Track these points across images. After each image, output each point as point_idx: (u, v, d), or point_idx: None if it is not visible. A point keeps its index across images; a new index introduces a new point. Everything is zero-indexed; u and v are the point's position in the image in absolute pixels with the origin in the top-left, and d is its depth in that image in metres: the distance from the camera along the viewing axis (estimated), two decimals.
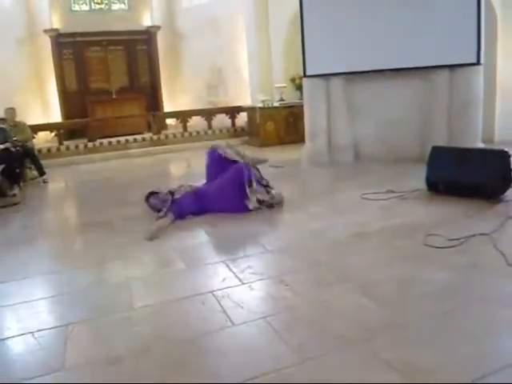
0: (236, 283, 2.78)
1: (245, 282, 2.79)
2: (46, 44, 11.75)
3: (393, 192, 4.60)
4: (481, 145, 5.94)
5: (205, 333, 2.25)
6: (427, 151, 4.80)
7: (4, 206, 5.52)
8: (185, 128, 10.45)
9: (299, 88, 9.38)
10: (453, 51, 5.81)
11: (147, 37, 12.66)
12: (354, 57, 6.29)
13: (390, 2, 6.01)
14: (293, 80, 9.89)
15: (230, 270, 2.99)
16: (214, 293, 2.65)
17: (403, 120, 6.31)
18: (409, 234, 3.43)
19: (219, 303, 2.52)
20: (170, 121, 11.46)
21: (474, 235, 3.24)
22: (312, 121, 6.88)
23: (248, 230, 3.84)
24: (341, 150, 6.68)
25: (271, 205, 4.47)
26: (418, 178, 4.79)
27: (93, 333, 2.34)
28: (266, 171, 6.56)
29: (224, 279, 2.84)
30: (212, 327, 2.28)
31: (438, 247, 3.11)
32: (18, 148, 6.85)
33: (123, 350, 2.14)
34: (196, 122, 10.83)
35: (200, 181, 5.05)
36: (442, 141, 5.72)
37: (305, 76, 6.85)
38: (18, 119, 7.63)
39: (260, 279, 2.82)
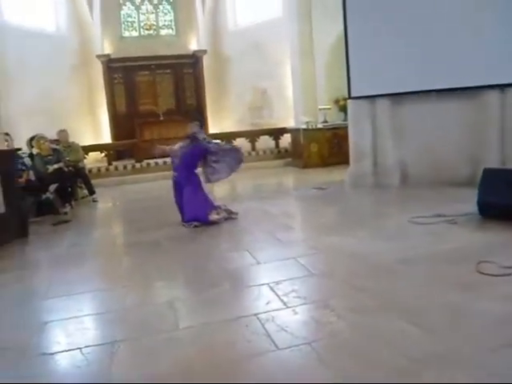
0: (280, 306, 2.74)
1: (289, 305, 2.75)
2: (98, 69, 12.34)
3: (442, 216, 4.45)
4: None
5: (249, 356, 2.22)
6: (478, 174, 4.64)
7: (56, 224, 5.75)
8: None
9: (343, 109, 9.37)
10: (503, 70, 5.63)
11: (194, 60, 13.04)
12: (400, 77, 6.22)
13: (437, 21, 5.90)
14: (337, 101, 9.89)
15: (275, 292, 2.96)
16: (258, 316, 2.63)
17: (451, 141, 6.13)
18: (460, 261, 3.29)
19: (263, 326, 2.49)
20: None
21: None
22: (357, 142, 6.82)
23: (291, 253, 3.81)
24: (386, 172, 6.56)
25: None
26: (468, 202, 4.62)
27: (138, 352, 2.36)
28: (309, 193, 6.58)
29: (268, 302, 2.81)
30: (256, 350, 2.26)
31: (491, 275, 2.96)
32: (70, 168, 7.16)
33: (168, 370, 2.14)
34: (240, 144, 10.96)
35: (243, 202, 5.13)
36: (494, 163, 5.51)
37: (349, 97, 6.82)
38: (70, 140, 7.98)
39: (304, 303, 2.78)
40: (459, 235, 3.95)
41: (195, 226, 4.90)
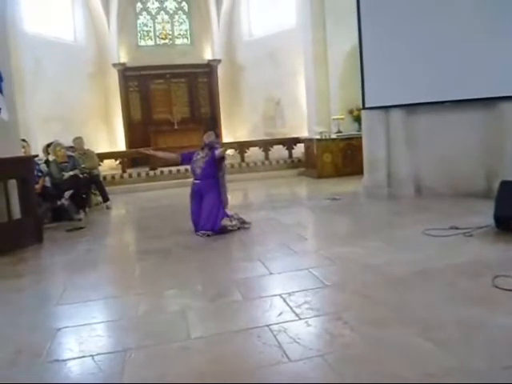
0: (293, 318, 2.72)
1: (302, 317, 2.73)
2: (114, 77, 12.51)
3: (457, 228, 4.39)
4: None
5: (261, 367, 2.20)
6: (494, 186, 4.59)
7: (70, 230, 5.80)
8: (242, 158, 10.62)
9: (357, 120, 9.34)
10: None
11: (208, 70, 13.15)
12: (415, 88, 6.19)
13: (452, 31, 5.87)
14: (351, 112, 9.87)
15: (287, 303, 2.94)
16: (271, 327, 2.61)
17: (467, 153, 6.07)
18: (475, 274, 3.24)
19: (275, 338, 2.47)
20: (228, 151, 11.71)
21: None
22: (371, 153, 6.79)
23: (304, 264, 3.79)
24: (401, 183, 6.51)
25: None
26: (484, 214, 4.56)
27: (150, 360, 2.35)
28: (322, 203, 6.56)
29: (280, 313, 2.80)
30: (268, 362, 2.24)
31: (508, 290, 2.91)
32: (85, 175, 7.23)
33: (180, 379, 2.14)
34: (253, 153, 11.00)
35: (256, 211, 5.13)
36: (511, 175, 5.43)
37: (364, 108, 6.81)
38: (85, 147, 8.08)
39: (317, 315, 2.76)
40: (475, 248, 3.89)
41: (208, 236, 4.92)
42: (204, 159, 5.14)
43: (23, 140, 6.72)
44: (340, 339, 2.44)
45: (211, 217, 5.00)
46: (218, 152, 5.10)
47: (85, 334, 2.71)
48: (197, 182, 5.19)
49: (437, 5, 5.95)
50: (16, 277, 3.98)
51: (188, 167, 9.82)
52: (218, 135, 5.58)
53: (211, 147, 5.18)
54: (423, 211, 5.49)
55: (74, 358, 2.41)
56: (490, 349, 2.25)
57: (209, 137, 5.24)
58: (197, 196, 5.16)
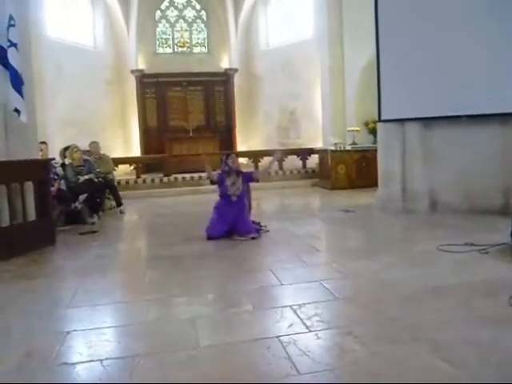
0: (303, 330, 2.69)
1: (312, 329, 2.69)
2: (131, 84, 12.67)
3: (472, 245, 4.32)
4: None
5: (270, 379, 2.17)
6: (511, 203, 4.50)
7: (83, 233, 5.84)
8: (256, 168, 10.63)
9: (372, 132, 9.31)
10: None
11: (225, 78, 13.24)
12: (432, 101, 6.14)
13: (471, 45, 5.83)
14: (366, 124, 9.85)
15: (297, 315, 2.90)
16: (280, 338, 2.58)
17: (484, 169, 5.99)
18: (491, 293, 3.17)
19: (285, 349, 2.44)
20: (242, 160, 11.75)
21: None
22: (386, 166, 6.74)
23: (316, 276, 3.75)
24: (415, 197, 6.44)
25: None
26: (500, 232, 4.48)
27: (158, 367, 2.34)
28: (336, 215, 6.52)
29: (291, 325, 2.77)
30: (277, 374, 2.21)
31: None
32: (100, 179, 7.29)
33: None
34: (267, 162, 10.99)
35: (268, 222, 5.12)
36: None
37: (380, 120, 6.77)
38: (101, 152, 8.15)
39: (327, 328, 2.72)
40: (491, 266, 3.81)
41: (253, 238, 5.12)
42: (240, 189, 5.32)
43: (43, 142, 6.81)
44: (350, 354, 2.40)
45: (249, 220, 5.35)
46: (257, 176, 5.69)
47: (94, 338, 2.70)
48: (230, 208, 5.29)
49: (456, 18, 5.93)
50: (28, 278, 4.01)
51: (201, 174, 9.94)
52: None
53: (239, 172, 5.41)
54: (438, 227, 5.42)
55: (83, 362, 2.41)
56: (504, 370, 2.19)
57: (234, 162, 5.42)
58: (231, 206, 5.29)
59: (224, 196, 5.35)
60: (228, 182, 5.31)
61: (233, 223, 5.22)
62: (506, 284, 3.32)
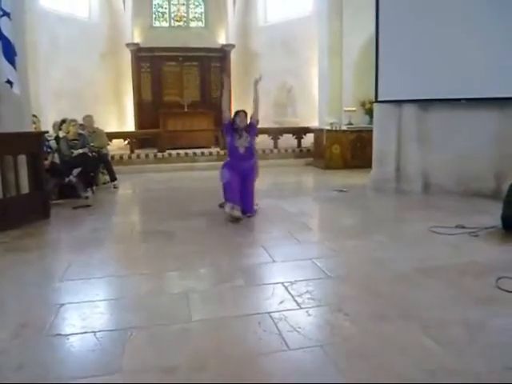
0: (294, 307, 2.74)
1: (303, 306, 2.74)
2: (126, 57, 12.47)
3: (463, 228, 4.37)
4: None
5: (260, 353, 2.22)
6: (504, 187, 4.56)
7: (77, 207, 5.84)
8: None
9: (369, 113, 9.28)
10: None
11: (221, 54, 13.06)
12: (430, 83, 6.12)
13: (471, 29, 5.79)
14: (363, 104, 9.79)
15: (289, 292, 2.95)
16: (271, 314, 2.62)
17: (478, 152, 6.02)
18: (479, 275, 3.23)
19: (276, 325, 2.49)
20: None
21: None
22: (381, 146, 6.75)
23: (308, 254, 3.80)
24: (409, 178, 6.48)
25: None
26: (491, 215, 4.54)
27: (150, 340, 2.38)
28: (329, 194, 6.55)
29: (282, 301, 2.81)
30: (267, 349, 2.26)
31: (511, 291, 2.90)
32: (94, 153, 7.25)
33: (178, 361, 2.16)
34: (262, 140, 10.95)
35: (260, 198, 5.14)
36: None
37: (376, 101, 6.75)
38: (95, 126, 8.07)
39: (318, 305, 2.77)
40: (480, 248, 3.87)
41: (249, 216, 5.08)
42: (247, 139, 5.24)
43: (34, 116, 6.73)
44: (340, 331, 2.45)
45: (253, 200, 5.24)
46: (255, 118, 5.49)
47: (87, 310, 2.74)
48: (241, 162, 5.18)
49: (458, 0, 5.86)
50: (22, 251, 4.02)
51: (196, 151, 9.89)
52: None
53: (251, 125, 5.35)
54: (430, 208, 5.47)
55: (76, 334, 2.44)
56: (490, 349, 2.25)
57: (242, 121, 5.32)
58: (240, 177, 5.13)
59: (232, 149, 5.24)
60: (236, 138, 5.23)
61: (242, 195, 5.06)
62: (494, 266, 3.38)
